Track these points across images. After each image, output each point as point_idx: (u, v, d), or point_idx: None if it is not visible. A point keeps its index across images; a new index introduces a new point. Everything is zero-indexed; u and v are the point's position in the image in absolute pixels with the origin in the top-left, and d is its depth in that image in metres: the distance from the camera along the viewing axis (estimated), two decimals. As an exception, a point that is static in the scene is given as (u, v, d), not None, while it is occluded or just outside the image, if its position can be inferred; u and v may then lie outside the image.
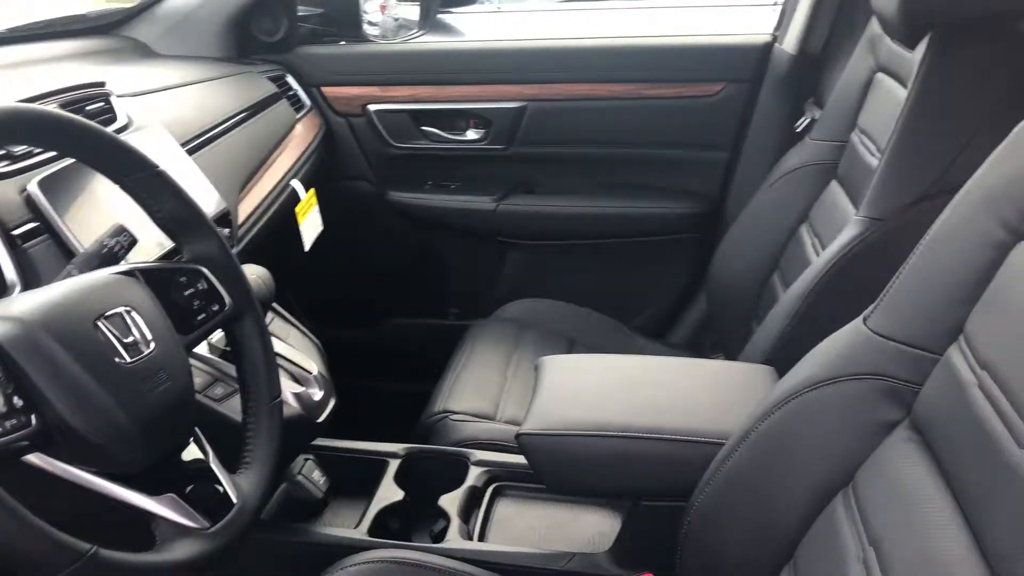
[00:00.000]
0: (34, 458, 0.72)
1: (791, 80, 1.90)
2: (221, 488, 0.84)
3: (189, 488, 0.81)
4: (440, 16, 2.44)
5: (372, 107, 2.07)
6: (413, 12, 2.33)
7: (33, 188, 1.02)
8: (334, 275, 2.07)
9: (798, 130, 1.88)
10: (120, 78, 1.47)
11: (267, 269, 1.19)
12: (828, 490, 0.92)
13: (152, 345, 0.80)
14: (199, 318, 0.90)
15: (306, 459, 1.38)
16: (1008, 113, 1.17)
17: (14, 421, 0.70)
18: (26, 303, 0.75)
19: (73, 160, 1.10)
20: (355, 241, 2.13)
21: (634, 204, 2.08)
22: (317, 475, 1.37)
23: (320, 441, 1.40)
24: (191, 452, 0.84)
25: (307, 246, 1.83)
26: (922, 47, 1.26)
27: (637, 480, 1.14)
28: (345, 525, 1.32)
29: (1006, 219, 0.77)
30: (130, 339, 0.78)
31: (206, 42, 1.94)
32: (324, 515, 1.36)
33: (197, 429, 0.86)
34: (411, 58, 2.11)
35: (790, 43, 1.89)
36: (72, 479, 0.74)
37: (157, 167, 0.90)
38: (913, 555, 0.76)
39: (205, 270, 0.92)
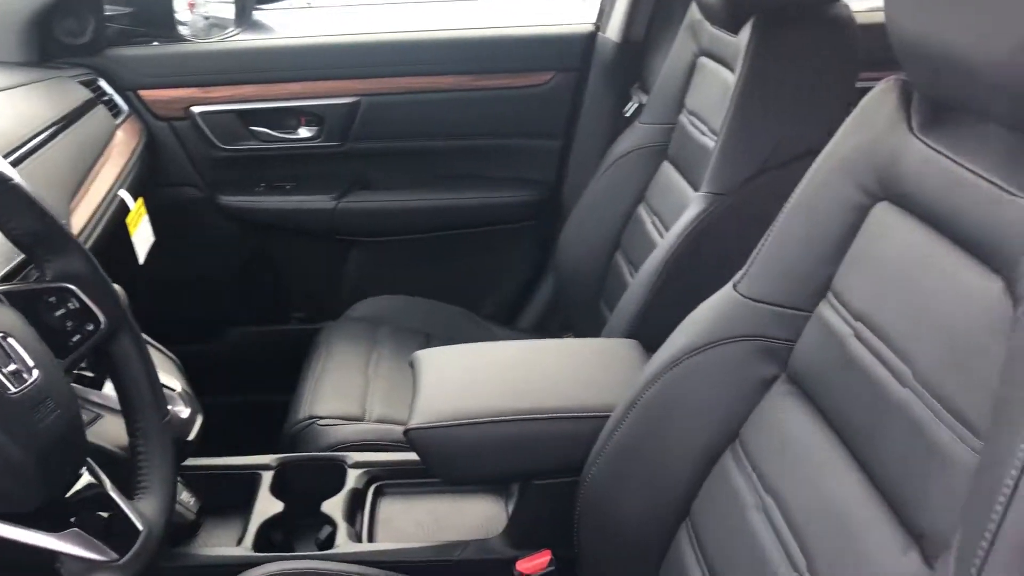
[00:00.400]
0: (-85, 508, 0.66)
1: (616, 67, 1.99)
2: (123, 516, 0.79)
3: (90, 519, 0.75)
4: (248, 13, 2.35)
5: (196, 109, 1.98)
6: (223, 10, 2.23)
7: None
8: (170, 287, 1.96)
9: (627, 115, 1.96)
10: (-86, 88, 1.33)
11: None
12: (716, 448, 0.98)
13: (35, 372, 0.74)
14: (74, 339, 0.84)
15: (172, 481, 1.31)
16: (831, 88, 1.30)
17: None
18: None
19: None
20: (189, 250, 2.03)
21: (473, 195, 2.10)
22: (186, 496, 1.30)
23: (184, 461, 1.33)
24: (84, 481, 0.78)
25: (141, 258, 1.73)
26: (745, 31, 1.36)
27: (529, 461, 1.16)
28: (226, 544, 1.27)
29: (864, 184, 0.85)
30: (11, 367, 0.72)
31: (3, 46, 1.78)
32: (200, 536, 1.30)
33: (89, 458, 0.80)
34: (234, 56, 2.03)
35: (613, 31, 1.97)
36: (-39, 525, 0.67)
37: (12, 179, 0.83)
38: (808, 497, 0.83)
39: (74, 288, 0.86)
